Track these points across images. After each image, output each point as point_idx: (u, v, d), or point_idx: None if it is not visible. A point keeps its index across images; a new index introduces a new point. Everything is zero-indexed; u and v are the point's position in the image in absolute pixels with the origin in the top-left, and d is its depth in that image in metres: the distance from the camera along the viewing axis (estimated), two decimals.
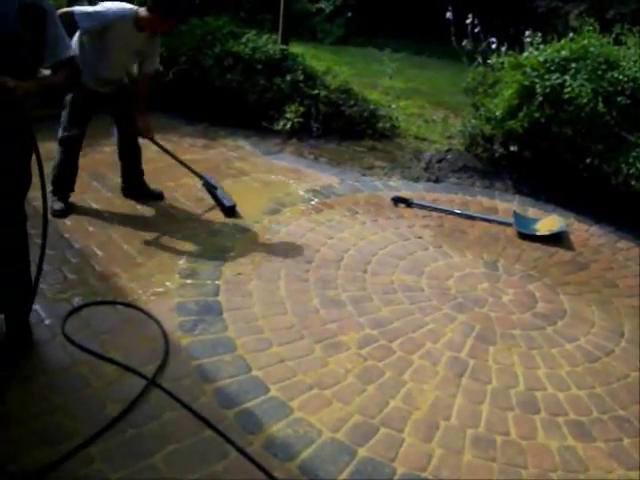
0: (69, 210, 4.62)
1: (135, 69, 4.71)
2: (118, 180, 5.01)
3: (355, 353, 3.34)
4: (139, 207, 4.81)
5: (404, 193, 5.49)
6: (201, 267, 4.02)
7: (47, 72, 2.82)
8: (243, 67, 7.02)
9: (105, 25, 4.22)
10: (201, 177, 5.07)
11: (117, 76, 4.59)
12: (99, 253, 4.09)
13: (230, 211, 4.82)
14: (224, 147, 6.18)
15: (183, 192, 5.12)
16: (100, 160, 5.48)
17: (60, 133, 4.57)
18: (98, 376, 3.01)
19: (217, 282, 3.86)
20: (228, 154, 6.05)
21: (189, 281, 3.86)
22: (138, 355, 3.16)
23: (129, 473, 2.51)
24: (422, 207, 5.27)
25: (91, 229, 4.40)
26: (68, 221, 4.47)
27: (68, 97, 4.50)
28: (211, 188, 5.00)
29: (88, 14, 4.17)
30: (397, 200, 5.33)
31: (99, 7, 4.28)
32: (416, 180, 5.97)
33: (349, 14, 13.14)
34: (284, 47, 7.45)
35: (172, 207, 4.87)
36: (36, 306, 3.42)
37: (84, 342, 3.21)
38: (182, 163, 5.05)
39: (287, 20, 7.68)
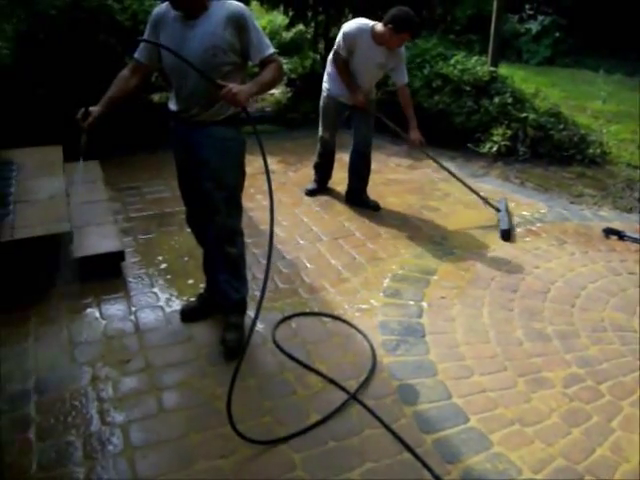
0: (318, 191, 5.53)
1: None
2: (327, 196, 5.20)
3: (560, 392, 3.18)
4: (346, 224, 4.96)
5: (616, 224, 5.15)
6: (405, 287, 4.05)
7: None
8: (451, 89, 7.01)
9: (347, 41, 4.78)
10: (484, 200, 5.27)
11: (364, 88, 4.97)
12: (308, 266, 4.26)
13: (503, 234, 4.87)
14: (429, 168, 6.18)
15: (388, 212, 5.21)
16: (312, 176, 5.70)
17: (319, 133, 5.37)
18: (303, 385, 3.13)
19: (421, 304, 3.87)
20: (433, 175, 6.05)
21: (393, 300, 3.90)
22: (341, 369, 3.24)
23: None
24: (636, 241, 4.92)
25: (301, 242, 4.61)
26: (281, 233, 4.72)
27: (321, 104, 5.24)
28: (495, 209, 5.22)
29: (338, 45, 4.85)
30: (609, 232, 5.02)
31: (342, 30, 4.85)
32: (629, 211, 5.59)
33: (557, 34, 12.67)
34: (493, 69, 7.32)
35: (378, 225, 4.96)
36: (251, 312, 3.64)
37: (292, 350, 3.36)
38: (465, 185, 5.33)
39: (497, 42, 7.54)
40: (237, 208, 3.33)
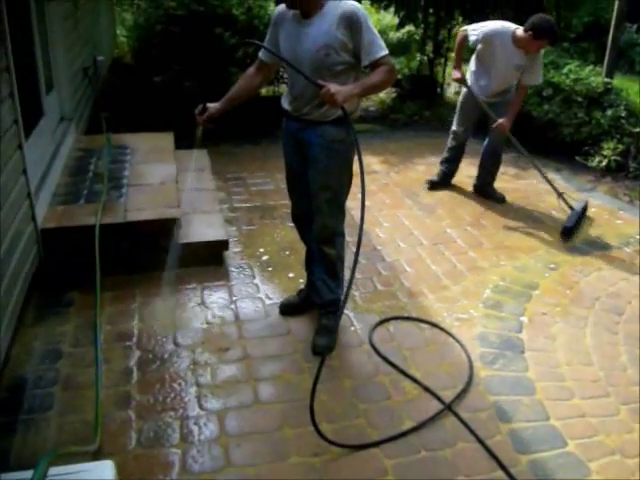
0: (439, 185, 5.67)
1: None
2: (429, 200, 5.15)
3: None
4: (448, 230, 4.90)
5: None
6: (506, 300, 3.96)
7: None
8: (562, 98, 6.79)
9: (485, 38, 5.04)
10: (560, 194, 5.32)
11: (499, 87, 5.23)
12: (408, 269, 4.23)
13: (564, 231, 4.91)
14: (534, 178, 6.00)
15: (490, 220, 5.12)
16: (414, 178, 5.67)
17: (452, 127, 5.64)
18: (398, 390, 3.10)
19: (521, 318, 3.77)
20: (538, 186, 5.87)
21: (493, 312, 3.82)
22: (437, 378, 3.20)
23: None
24: None
25: (402, 245, 4.59)
26: (382, 234, 4.71)
27: (460, 99, 5.56)
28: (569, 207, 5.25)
29: (473, 30, 5.13)
30: None
31: (485, 24, 5.14)
32: None
33: None
34: (608, 80, 7.04)
35: (480, 234, 4.87)
36: (349, 312, 3.67)
37: (388, 354, 3.34)
38: (541, 174, 5.48)
39: (614, 51, 7.24)
40: (339, 209, 3.34)
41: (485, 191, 5.57)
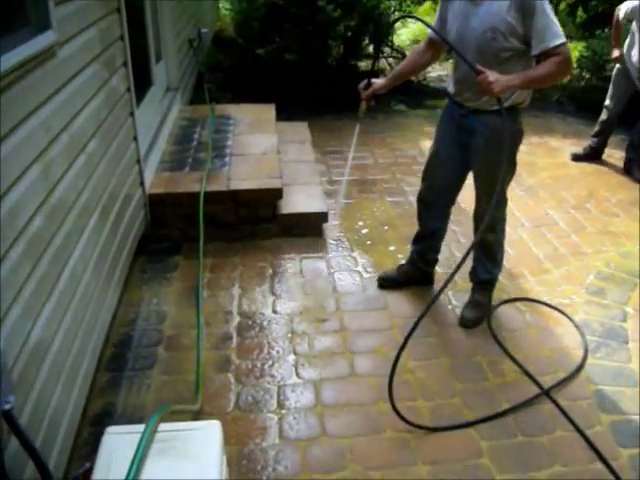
0: (582, 158, 5.80)
1: None
2: (531, 181, 5.02)
3: None
4: (550, 212, 4.77)
5: None
6: (609, 287, 3.81)
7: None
8: None
9: (631, 12, 5.31)
10: None
11: None
12: (509, 251, 4.08)
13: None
14: None
15: (597, 204, 4.94)
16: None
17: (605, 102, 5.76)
18: (496, 372, 3.06)
19: (625, 307, 3.62)
20: None
21: (595, 299, 3.69)
22: (536, 362, 3.12)
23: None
24: None
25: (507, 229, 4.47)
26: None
27: (614, 72, 5.66)
28: None
29: (625, 6, 5.40)
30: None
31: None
32: None
33: None
34: None
35: (584, 218, 4.70)
36: (449, 290, 3.63)
37: (487, 335, 3.30)
38: None
39: None
40: (501, 197, 3.18)
41: (630, 169, 5.54)
